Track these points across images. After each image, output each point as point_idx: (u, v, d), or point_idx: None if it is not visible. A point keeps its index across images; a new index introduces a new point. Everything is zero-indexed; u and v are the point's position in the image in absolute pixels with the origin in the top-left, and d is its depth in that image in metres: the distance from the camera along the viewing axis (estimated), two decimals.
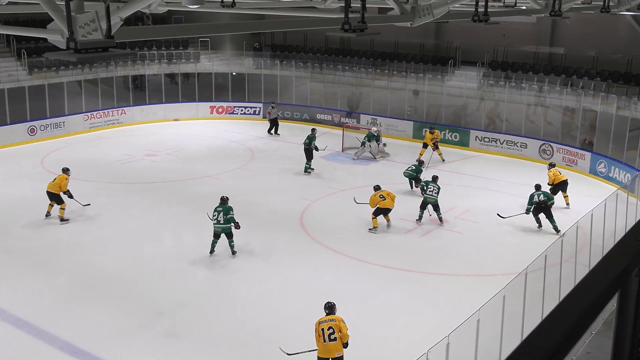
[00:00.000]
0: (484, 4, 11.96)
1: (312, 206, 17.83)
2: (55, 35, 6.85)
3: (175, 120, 28.68)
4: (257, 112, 29.31)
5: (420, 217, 16.55)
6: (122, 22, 7.07)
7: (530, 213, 16.05)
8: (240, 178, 20.20)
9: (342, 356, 9.11)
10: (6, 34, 26.32)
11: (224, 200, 14.21)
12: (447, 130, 25.26)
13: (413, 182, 19.17)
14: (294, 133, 25.30)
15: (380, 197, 15.98)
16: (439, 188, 16.38)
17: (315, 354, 9.40)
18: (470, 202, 18.41)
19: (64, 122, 25.81)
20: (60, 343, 10.79)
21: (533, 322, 8.77)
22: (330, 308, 9.50)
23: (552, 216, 15.87)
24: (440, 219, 16.37)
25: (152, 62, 29.83)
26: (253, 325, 11.02)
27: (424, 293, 12.87)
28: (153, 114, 28.57)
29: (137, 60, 29.31)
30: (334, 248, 14.89)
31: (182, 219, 16.82)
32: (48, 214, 16.34)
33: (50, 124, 25.41)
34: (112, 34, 6.28)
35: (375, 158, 22.80)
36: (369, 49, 31.07)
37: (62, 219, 16.19)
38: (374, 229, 15.95)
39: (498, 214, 16.70)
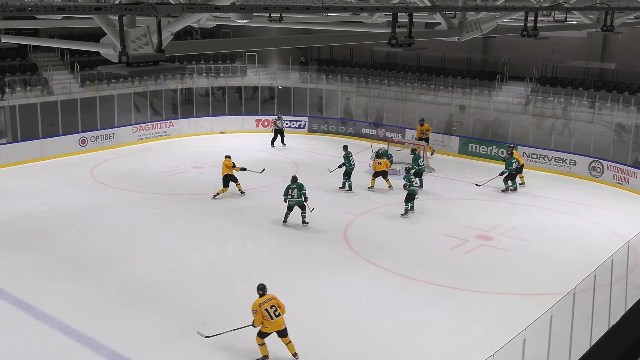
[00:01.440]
0: (533, 18, 11.82)
1: (356, 220, 17.79)
2: (108, 49, 7.04)
3: (222, 133, 29.04)
4: (302, 126, 29.46)
5: (406, 210, 18.07)
6: (172, 37, 7.22)
7: (503, 177, 20.32)
8: (282, 191, 20.28)
9: (286, 327, 10.38)
10: (61, 48, 27.10)
11: (295, 179, 17.08)
12: (493, 146, 24.95)
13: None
14: (337, 147, 25.25)
15: (378, 164, 20.29)
16: (421, 180, 19.69)
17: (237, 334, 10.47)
18: (516, 219, 18.12)
19: (113, 133, 26.40)
20: (105, 351, 10.98)
21: (582, 344, 8.56)
22: (262, 289, 10.56)
23: (515, 180, 20.68)
24: (412, 207, 18.22)
25: (200, 76, 30.32)
26: (293, 338, 10.99)
27: (467, 310, 12.68)
28: (200, 126, 29.00)
29: (185, 74, 29.83)
30: (377, 263, 14.82)
31: (226, 231, 16.97)
32: (217, 196, 19.55)
33: (101, 136, 26.01)
34: (162, 48, 6.41)
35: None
36: (415, 64, 30.98)
37: (242, 192, 19.80)
38: (371, 187, 20.38)
39: (476, 184, 20.72)
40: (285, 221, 17.13)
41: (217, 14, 13.94)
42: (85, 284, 13.61)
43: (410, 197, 17.95)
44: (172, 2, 9.57)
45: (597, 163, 22.52)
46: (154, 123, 27.92)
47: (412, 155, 20.77)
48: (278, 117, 27.19)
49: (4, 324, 11.89)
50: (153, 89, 28.67)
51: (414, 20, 9.41)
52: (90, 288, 13.41)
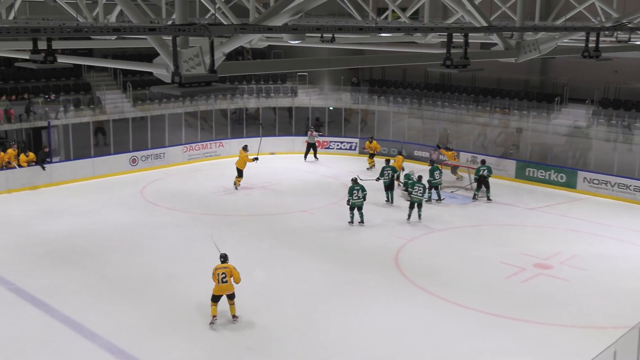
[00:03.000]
0: (595, 39, 11.60)
1: (408, 245, 17.63)
2: (161, 69, 7.19)
3: (272, 153, 29.28)
4: (353, 148, 29.48)
5: (409, 215, 19.50)
6: (224, 57, 7.34)
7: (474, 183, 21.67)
8: (333, 214, 20.29)
9: (233, 293, 12.54)
10: (114, 68, 27.93)
11: (356, 180, 19.28)
12: (552, 171, 24.47)
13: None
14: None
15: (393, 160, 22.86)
16: (424, 187, 19.77)
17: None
18: (577, 248, 17.67)
19: (164, 153, 26.94)
20: None
21: None
22: (224, 257, 12.69)
23: (489, 187, 21.86)
24: (420, 216, 19.55)
25: (250, 96, 30.75)
26: None
27: (523, 342, 12.37)
28: (250, 147, 29.29)
29: (236, 94, 30.30)
30: (431, 290, 14.63)
31: (274, 253, 17.04)
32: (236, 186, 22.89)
33: (151, 155, 26.57)
34: (215, 68, 6.52)
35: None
36: (470, 85, 30.75)
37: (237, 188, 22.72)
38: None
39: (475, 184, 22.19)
40: (351, 222, 19.10)
41: (269, 35, 14.17)
42: (132, 304, 13.83)
43: (412, 205, 19.53)
44: (225, 23, 9.76)
45: None
46: (204, 143, 28.38)
47: (430, 167, 21.98)
48: (310, 132, 28.24)
49: (52, 341, 12.16)
50: (203, 108, 29.22)
51: (469, 41, 9.36)
52: (137, 308, 13.61)
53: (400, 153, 25.16)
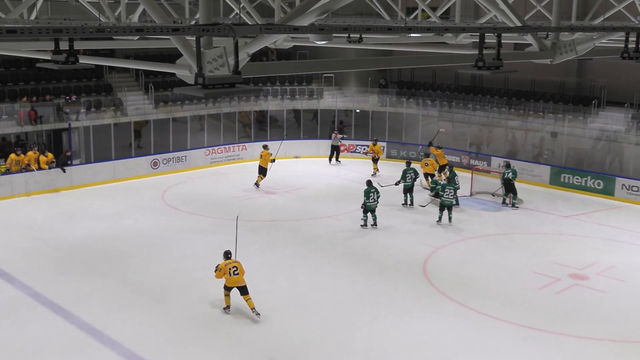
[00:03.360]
0: (634, 39, 11.45)
1: (437, 254, 17.53)
2: (184, 70, 7.25)
3: (296, 157, 29.35)
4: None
5: (440, 218, 19.91)
6: (248, 58, 7.37)
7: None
8: (359, 220, 20.25)
9: (245, 286, 13.49)
10: (136, 69, 28.21)
11: (371, 183, 19.78)
12: (588, 177, 24.17)
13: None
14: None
15: (425, 165, 23.80)
16: (455, 189, 20.23)
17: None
18: (614, 258, 17.42)
19: (185, 156, 27.13)
20: None
21: None
22: (229, 253, 13.82)
23: (516, 192, 21.89)
24: (450, 219, 19.87)
25: (274, 98, 30.84)
26: None
27: (557, 356, 12.21)
28: (274, 150, 29.40)
29: (259, 96, 30.41)
30: (460, 301, 14.51)
31: (298, 260, 17.04)
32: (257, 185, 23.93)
33: (173, 158, 26.78)
34: (239, 69, 6.55)
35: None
36: (502, 87, 30.52)
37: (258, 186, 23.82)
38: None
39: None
40: (365, 225, 19.45)
41: (295, 35, 14.21)
42: (154, 310, 13.93)
43: (442, 207, 19.89)
44: (250, 23, 9.80)
45: None
46: (227, 146, 28.54)
47: (449, 172, 21.98)
48: (335, 134, 28.55)
49: (71, 349, 12.28)
50: (227, 110, 29.39)
51: (502, 41, 9.30)
52: (159, 315, 13.70)
53: (427, 155, 25.42)
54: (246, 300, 13.49)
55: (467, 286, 15.34)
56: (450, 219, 19.82)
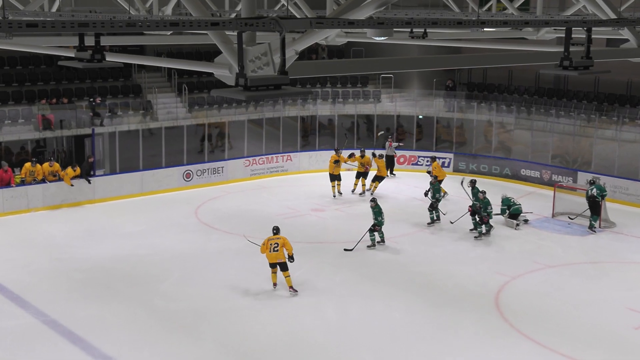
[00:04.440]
0: None
1: (512, 284, 17.35)
2: (223, 69, 7.36)
3: (348, 170, 29.37)
4: (446, 165, 29.21)
5: (487, 231, 20.77)
6: (296, 56, 7.46)
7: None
8: (421, 243, 20.18)
9: (285, 262, 15.95)
10: (168, 68, 28.61)
11: (376, 200, 20.25)
12: None
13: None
14: (491, 191, 24.88)
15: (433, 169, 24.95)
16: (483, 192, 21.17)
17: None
18: None
19: (222, 167, 27.44)
20: None
21: None
22: (277, 229, 16.29)
23: (599, 213, 21.41)
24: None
25: (324, 101, 30.97)
26: None
27: None
28: (323, 161, 29.46)
29: (308, 99, 30.47)
30: (537, 339, 14.33)
31: (350, 289, 17.05)
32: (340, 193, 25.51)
33: (208, 169, 27.09)
34: (285, 69, 6.61)
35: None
36: (592, 90, 30.09)
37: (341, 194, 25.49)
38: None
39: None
40: (373, 245, 19.85)
41: (350, 30, 14.31)
42: (183, 342, 14.09)
43: (473, 213, 20.94)
44: (298, 17, 9.95)
45: None
46: (269, 156, 28.74)
47: (471, 189, 22.12)
48: (389, 142, 28.59)
49: None
50: (270, 116, 29.57)
51: (593, 37, 9.22)
52: (189, 348, 13.85)
53: (433, 158, 26.45)
54: (285, 277, 15.89)
55: (546, 322, 15.15)
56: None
